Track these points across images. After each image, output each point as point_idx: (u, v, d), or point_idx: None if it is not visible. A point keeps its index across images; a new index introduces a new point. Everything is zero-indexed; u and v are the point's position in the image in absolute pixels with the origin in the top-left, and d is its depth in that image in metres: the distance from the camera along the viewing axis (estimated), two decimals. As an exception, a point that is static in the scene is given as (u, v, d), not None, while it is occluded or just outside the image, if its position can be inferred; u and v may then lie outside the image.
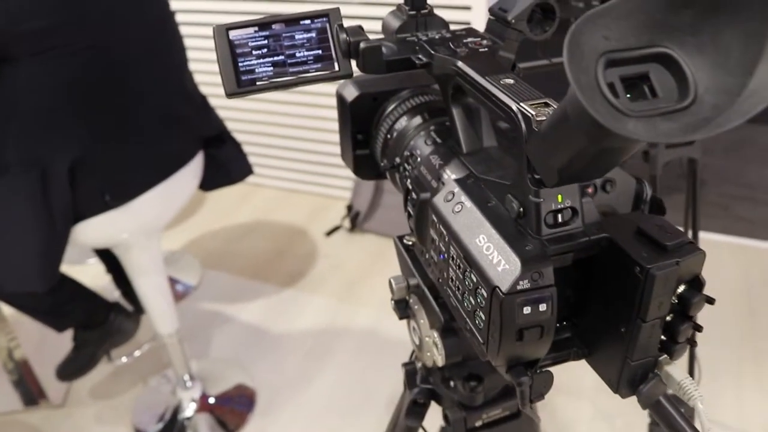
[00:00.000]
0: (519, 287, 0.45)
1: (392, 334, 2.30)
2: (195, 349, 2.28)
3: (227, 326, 2.42)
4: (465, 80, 0.53)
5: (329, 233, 2.84)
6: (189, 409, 2.08)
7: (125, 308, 2.07)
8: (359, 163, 0.75)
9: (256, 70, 0.58)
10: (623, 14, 0.35)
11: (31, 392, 2.12)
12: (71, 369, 2.06)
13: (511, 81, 0.50)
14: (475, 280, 0.48)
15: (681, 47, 0.36)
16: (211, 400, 2.11)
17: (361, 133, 0.73)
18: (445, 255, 0.53)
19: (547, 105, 0.47)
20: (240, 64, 0.58)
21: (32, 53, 1.37)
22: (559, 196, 0.47)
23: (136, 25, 1.52)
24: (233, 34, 0.58)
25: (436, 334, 0.62)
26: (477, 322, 0.49)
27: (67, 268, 1.68)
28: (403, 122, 0.68)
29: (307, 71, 0.60)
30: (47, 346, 2.14)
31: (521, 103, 0.47)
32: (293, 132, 2.99)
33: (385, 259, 2.66)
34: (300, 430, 1.99)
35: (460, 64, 0.55)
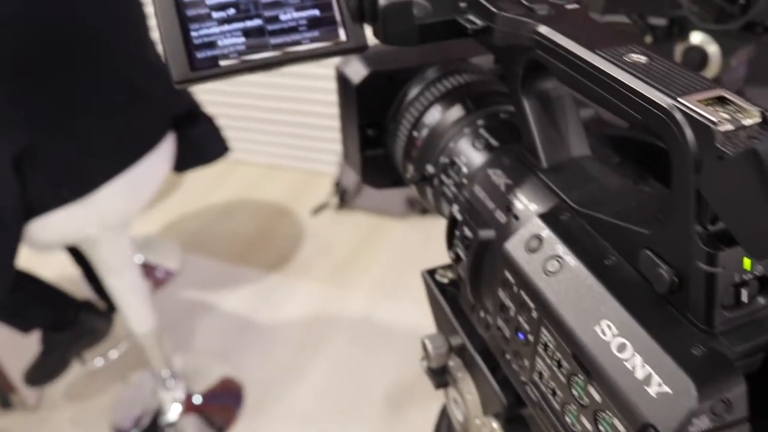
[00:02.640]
0: (692, 429, 0.25)
1: (387, 321, 2.14)
2: (176, 341, 2.11)
3: (210, 315, 2.25)
4: (557, 56, 0.33)
5: (316, 211, 2.64)
6: (173, 412, 1.90)
7: (97, 306, 1.87)
8: (370, 166, 0.54)
9: (219, 43, 0.37)
10: None
11: (2, 392, 1.93)
12: (40, 374, 1.89)
13: (644, 58, 0.30)
14: (598, 398, 0.28)
15: None
16: (197, 399, 1.94)
17: (373, 127, 0.52)
18: (530, 336, 0.33)
19: (724, 101, 0.27)
20: (193, 34, 0.37)
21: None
22: (746, 261, 0.27)
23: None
24: (181, -14, 0.37)
25: (495, 425, 0.43)
26: (593, 458, 0.30)
27: (33, 258, 1.48)
28: (435, 114, 0.47)
29: (298, 42, 0.38)
30: (21, 343, 1.95)
31: (681, 99, 0.27)
32: (273, 103, 2.77)
33: (376, 238, 2.47)
34: (294, 430, 1.83)
35: (544, 30, 0.34)
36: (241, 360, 2.05)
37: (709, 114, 0.26)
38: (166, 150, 1.51)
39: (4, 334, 1.75)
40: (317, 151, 2.82)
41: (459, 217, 0.40)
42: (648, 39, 1.15)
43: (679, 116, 0.26)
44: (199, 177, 2.76)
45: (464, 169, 0.43)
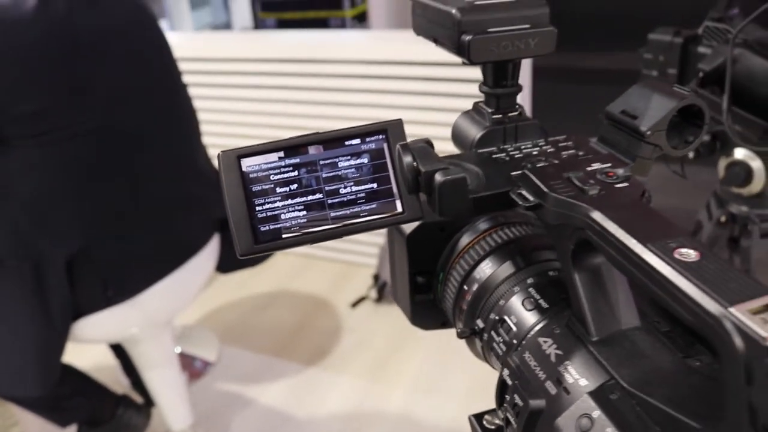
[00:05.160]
0: None
1: (427, 418, 2.10)
2: (213, 435, 2.09)
3: (247, 409, 2.23)
4: (608, 243, 0.34)
5: (354, 304, 2.65)
6: None
7: (134, 401, 1.88)
8: (419, 310, 0.55)
9: (282, 216, 0.40)
10: None
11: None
12: (74, 469, 1.86)
13: (694, 254, 0.31)
14: None
15: None
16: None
17: (423, 275, 0.54)
18: None
19: (774, 307, 0.28)
20: (257, 208, 0.40)
21: (25, 137, 1.22)
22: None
23: (144, 102, 1.36)
24: (248, 163, 0.40)
25: None
26: None
27: (71, 347, 1.50)
28: (485, 269, 0.49)
29: (357, 215, 0.41)
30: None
31: (731, 308, 0.28)
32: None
33: (415, 333, 2.42)
34: None
35: (597, 215, 0.35)
36: (276, 458, 2.02)
37: (758, 327, 0.27)
38: (210, 252, 1.54)
39: (40, 423, 1.76)
40: (356, 243, 2.84)
41: (509, 382, 0.41)
42: (690, 154, 1.17)
43: (729, 326, 0.27)
44: (239, 268, 2.79)
45: (514, 329, 0.44)
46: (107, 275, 1.36)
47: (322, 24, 3.41)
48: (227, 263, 1.67)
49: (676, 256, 0.31)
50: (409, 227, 0.51)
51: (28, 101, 1.19)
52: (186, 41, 2.84)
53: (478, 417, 0.52)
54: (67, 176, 1.28)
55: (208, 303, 2.73)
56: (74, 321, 1.39)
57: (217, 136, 2.72)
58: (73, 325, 1.40)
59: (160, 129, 1.41)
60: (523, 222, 0.51)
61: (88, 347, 2.11)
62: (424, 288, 0.54)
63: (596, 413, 0.34)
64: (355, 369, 2.34)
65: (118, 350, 1.96)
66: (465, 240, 0.51)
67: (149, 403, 1.90)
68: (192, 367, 2.43)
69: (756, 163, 1.10)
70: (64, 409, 1.75)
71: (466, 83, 2.24)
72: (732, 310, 0.28)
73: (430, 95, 2.33)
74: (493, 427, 0.51)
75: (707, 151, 1.14)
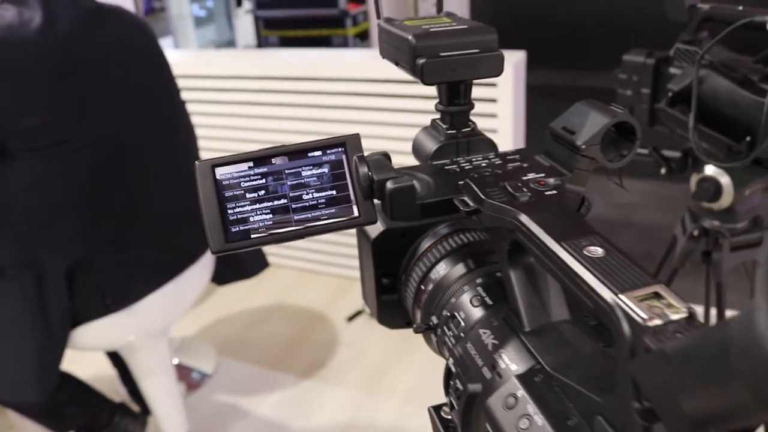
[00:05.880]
0: None
1: (420, 431, 2.12)
2: (209, 447, 2.13)
3: (243, 420, 2.26)
4: (531, 242, 0.39)
5: (351, 318, 2.69)
6: None
7: (131, 409, 1.92)
8: (385, 310, 0.60)
9: (251, 219, 0.45)
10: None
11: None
12: (71, 476, 1.90)
13: (600, 251, 0.36)
14: None
15: None
16: None
17: (388, 277, 0.58)
18: (507, 485, 0.38)
19: (659, 296, 0.32)
20: (229, 211, 0.45)
21: (28, 150, 1.27)
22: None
23: (143, 117, 1.42)
24: (221, 172, 0.45)
25: None
26: None
27: (70, 356, 1.54)
28: (440, 270, 0.54)
29: (318, 218, 0.46)
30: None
31: (621, 295, 0.32)
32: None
33: (410, 347, 2.49)
34: None
35: (524, 218, 0.40)
36: (271, 468, 2.06)
37: (642, 311, 0.31)
38: (206, 263, 1.59)
39: (37, 430, 1.79)
40: (353, 257, 2.88)
41: (453, 369, 0.45)
42: (663, 170, 1.22)
43: (618, 312, 0.32)
44: (237, 281, 2.82)
45: (462, 324, 0.49)
46: (106, 284, 1.41)
47: (324, 42, 3.47)
48: (223, 275, 1.72)
49: (585, 253, 0.36)
50: (374, 232, 0.56)
51: (32, 116, 1.24)
52: (190, 59, 2.90)
53: (437, 408, 0.56)
54: (68, 188, 1.33)
55: (207, 316, 2.77)
56: (73, 329, 1.44)
57: (221, 152, 2.77)
58: (71, 333, 1.45)
59: (158, 143, 1.46)
60: (479, 228, 0.56)
61: (86, 357, 2.15)
62: (389, 289, 0.59)
63: (521, 393, 0.39)
64: (350, 382, 2.38)
65: (116, 360, 2.00)
66: (425, 244, 0.56)
67: (146, 411, 1.94)
68: (189, 379, 2.46)
69: (725, 179, 1.15)
70: (61, 415, 1.79)
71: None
72: (622, 297, 0.32)
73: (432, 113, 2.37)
74: (449, 417, 0.55)
75: (679, 168, 1.19)
